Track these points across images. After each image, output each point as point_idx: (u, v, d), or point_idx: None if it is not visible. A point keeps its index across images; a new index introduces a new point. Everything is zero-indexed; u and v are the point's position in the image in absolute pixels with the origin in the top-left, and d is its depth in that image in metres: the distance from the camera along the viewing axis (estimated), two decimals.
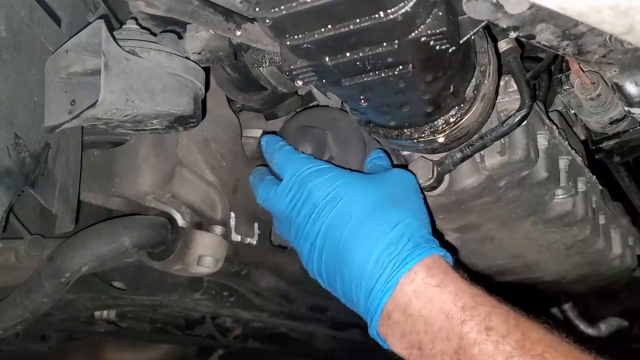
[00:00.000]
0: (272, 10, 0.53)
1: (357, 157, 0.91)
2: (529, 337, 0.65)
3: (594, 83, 0.92)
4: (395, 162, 0.96)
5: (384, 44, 0.58)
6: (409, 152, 0.97)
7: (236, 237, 1.03)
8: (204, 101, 0.90)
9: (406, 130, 0.82)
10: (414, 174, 0.87)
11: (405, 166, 0.92)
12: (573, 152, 1.08)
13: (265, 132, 1.07)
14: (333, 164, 0.85)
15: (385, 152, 0.91)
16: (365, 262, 0.73)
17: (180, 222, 0.97)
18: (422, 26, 0.57)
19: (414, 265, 0.71)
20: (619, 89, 0.77)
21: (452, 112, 0.79)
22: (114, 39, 0.75)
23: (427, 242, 0.74)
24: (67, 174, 0.86)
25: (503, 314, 0.67)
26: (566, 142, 1.06)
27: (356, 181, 0.80)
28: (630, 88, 0.76)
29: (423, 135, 0.81)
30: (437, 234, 0.80)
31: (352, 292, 0.75)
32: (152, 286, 1.39)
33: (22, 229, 0.95)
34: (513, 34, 0.64)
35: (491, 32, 0.86)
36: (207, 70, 0.90)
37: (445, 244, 0.77)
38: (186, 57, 0.83)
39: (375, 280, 0.72)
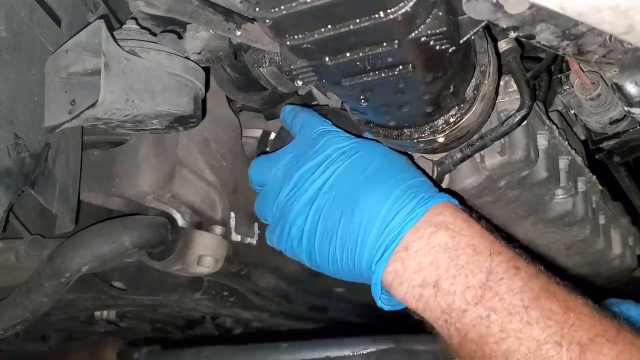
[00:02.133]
0: (272, 10, 0.53)
1: None
2: (551, 283, 0.64)
3: (594, 83, 0.92)
4: None
5: (384, 44, 0.58)
6: (409, 152, 0.97)
7: (236, 237, 1.03)
8: (204, 101, 0.90)
9: (406, 130, 0.82)
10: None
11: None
12: (573, 152, 1.08)
13: (265, 132, 1.07)
14: None
15: None
16: (384, 200, 0.69)
17: (180, 222, 0.97)
18: (422, 26, 0.57)
19: (440, 202, 0.69)
20: (619, 89, 0.77)
21: (452, 112, 0.79)
22: (114, 39, 0.75)
23: (447, 195, 0.73)
24: (67, 174, 0.86)
25: (526, 260, 0.66)
26: (566, 142, 1.06)
27: (373, 143, 0.79)
28: (630, 88, 0.76)
29: (423, 135, 0.81)
30: None
31: (360, 235, 0.69)
32: (152, 286, 1.39)
33: (22, 229, 0.95)
34: (513, 34, 0.64)
35: (491, 32, 0.86)
36: (207, 70, 0.90)
37: None
38: (186, 57, 0.83)
39: (397, 211, 0.68)
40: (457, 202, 0.73)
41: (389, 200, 0.69)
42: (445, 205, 0.70)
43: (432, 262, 0.65)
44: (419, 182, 0.73)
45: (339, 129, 0.82)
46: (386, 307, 0.72)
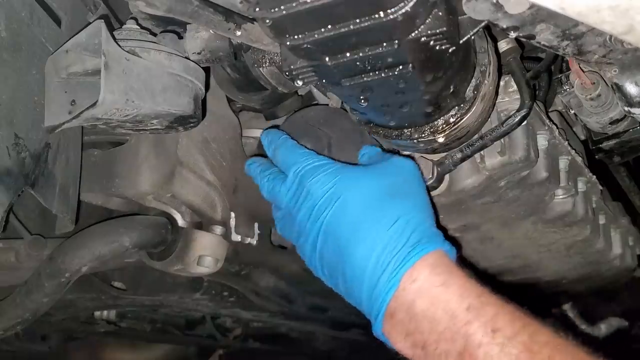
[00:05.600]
0: (272, 11, 0.53)
1: (355, 159, 0.91)
2: (536, 340, 0.63)
3: (594, 83, 0.92)
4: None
5: (384, 44, 0.58)
6: (409, 152, 0.97)
7: (236, 237, 1.03)
8: (204, 101, 0.90)
9: (406, 131, 0.82)
10: (415, 162, 0.85)
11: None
12: (573, 152, 1.08)
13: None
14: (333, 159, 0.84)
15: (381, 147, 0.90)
16: (366, 261, 0.71)
17: (180, 222, 0.97)
18: (422, 26, 0.57)
19: (417, 262, 0.69)
20: (619, 89, 0.77)
21: (452, 112, 0.79)
22: (114, 39, 0.75)
23: (429, 237, 0.72)
24: (67, 174, 0.86)
25: (509, 315, 0.65)
26: (566, 142, 1.06)
27: (355, 175, 0.78)
28: (630, 88, 0.76)
29: (423, 135, 0.81)
30: (440, 226, 0.78)
31: (355, 291, 0.73)
32: (152, 286, 1.39)
33: (22, 229, 0.95)
34: (513, 34, 0.64)
35: (491, 32, 0.87)
36: (207, 70, 0.90)
37: (448, 238, 0.76)
38: (186, 57, 0.83)
39: (377, 279, 0.70)
40: (438, 245, 0.73)
41: (369, 265, 0.71)
42: (421, 267, 0.70)
43: (416, 328, 0.68)
44: (398, 231, 0.72)
45: (318, 161, 0.81)
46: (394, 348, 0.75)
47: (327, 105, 1.03)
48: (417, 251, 0.70)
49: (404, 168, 0.81)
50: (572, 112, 1.07)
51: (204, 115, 0.91)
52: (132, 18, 0.84)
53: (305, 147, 0.90)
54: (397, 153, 1.02)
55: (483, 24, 0.63)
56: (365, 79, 0.64)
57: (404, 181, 0.79)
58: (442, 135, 0.81)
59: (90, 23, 0.80)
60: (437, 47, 0.60)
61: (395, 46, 0.58)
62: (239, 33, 0.75)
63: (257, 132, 1.09)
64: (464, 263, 0.74)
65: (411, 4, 0.52)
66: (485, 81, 0.79)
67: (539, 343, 0.63)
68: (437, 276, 0.69)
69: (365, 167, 0.82)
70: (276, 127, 0.98)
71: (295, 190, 0.80)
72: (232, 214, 1.03)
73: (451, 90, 0.74)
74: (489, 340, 0.63)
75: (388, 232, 0.72)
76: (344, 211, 0.75)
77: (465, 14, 0.61)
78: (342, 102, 0.98)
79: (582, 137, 1.22)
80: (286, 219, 0.84)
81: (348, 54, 0.60)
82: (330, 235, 0.75)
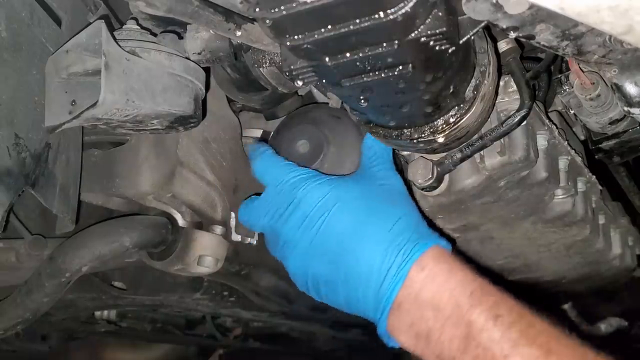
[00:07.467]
0: (272, 11, 0.53)
1: (352, 159, 0.91)
2: (533, 327, 0.67)
3: (594, 83, 0.92)
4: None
5: (384, 44, 0.58)
6: (408, 152, 0.97)
7: (236, 237, 1.03)
8: (204, 101, 0.90)
9: (406, 131, 0.82)
10: (401, 176, 0.88)
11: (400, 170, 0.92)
12: (573, 152, 1.08)
13: (265, 132, 1.07)
14: (321, 172, 0.85)
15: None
16: (373, 257, 0.74)
17: (181, 222, 0.97)
18: (422, 26, 0.57)
19: (422, 254, 0.73)
20: (618, 89, 0.77)
21: (452, 113, 0.79)
22: (115, 39, 0.76)
23: (429, 234, 0.77)
24: (67, 174, 0.86)
25: (509, 304, 0.69)
26: (566, 142, 1.06)
27: (348, 184, 0.81)
28: (630, 88, 0.76)
29: (423, 135, 0.81)
30: (435, 227, 0.83)
31: (359, 292, 0.75)
32: (152, 286, 1.39)
33: (23, 229, 0.95)
34: (513, 34, 0.64)
35: (491, 32, 0.87)
36: (207, 70, 0.91)
37: (443, 236, 0.79)
38: (186, 58, 0.83)
39: (385, 272, 0.73)
40: (437, 241, 0.76)
41: (376, 262, 0.74)
42: (427, 259, 0.73)
43: (421, 317, 0.72)
44: (400, 230, 0.75)
45: (307, 171, 0.83)
46: (397, 346, 0.78)
47: (327, 104, 1.03)
48: (422, 245, 0.74)
49: (392, 180, 0.85)
50: (572, 112, 1.07)
51: (204, 115, 0.91)
52: (132, 18, 0.84)
53: (303, 147, 0.91)
54: (396, 153, 1.02)
55: (483, 24, 0.63)
56: (365, 79, 0.64)
57: (395, 189, 0.84)
58: (442, 135, 0.81)
59: (90, 23, 0.80)
60: (437, 48, 0.60)
61: (395, 46, 0.58)
62: (239, 33, 0.75)
63: (257, 132, 1.10)
64: (463, 257, 0.78)
65: (411, 4, 0.52)
66: (485, 81, 0.79)
67: (537, 330, 0.67)
68: (441, 265, 0.73)
69: (355, 177, 0.85)
70: (265, 140, 0.99)
71: (281, 202, 0.81)
72: (233, 214, 1.03)
73: (451, 90, 0.74)
74: (491, 325, 0.67)
75: (392, 230, 0.75)
76: (342, 216, 0.77)
77: (465, 14, 0.62)
78: (342, 102, 0.98)
79: (582, 137, 1.22)
80: (270, 236, 0.86)
81: (348, 54, 0.60)
82: (327, 240, 0.77)
